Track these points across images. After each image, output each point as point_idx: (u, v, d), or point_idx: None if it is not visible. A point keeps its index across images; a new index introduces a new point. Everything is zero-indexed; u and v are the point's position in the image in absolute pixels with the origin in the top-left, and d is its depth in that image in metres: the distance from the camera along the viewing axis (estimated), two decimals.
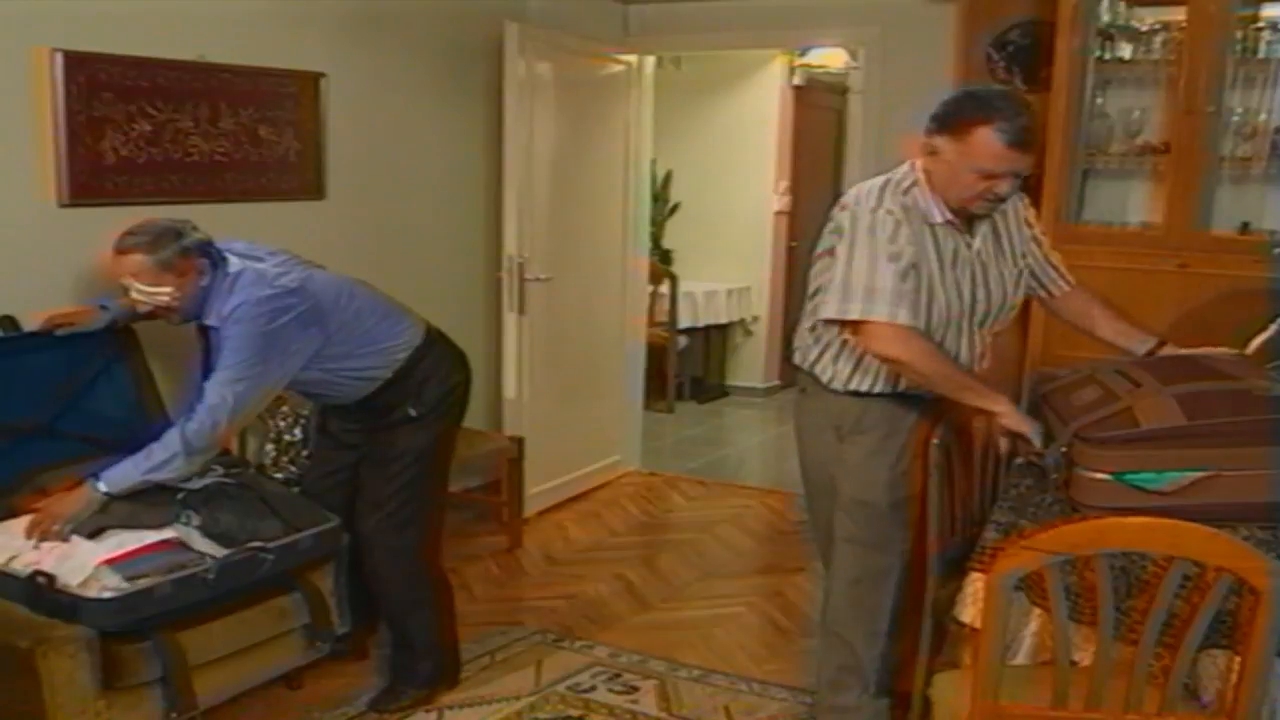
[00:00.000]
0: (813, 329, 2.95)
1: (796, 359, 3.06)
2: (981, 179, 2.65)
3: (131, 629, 2.86)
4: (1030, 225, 2.97)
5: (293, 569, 3.22)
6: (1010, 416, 2.64)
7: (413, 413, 3.33)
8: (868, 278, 2.67)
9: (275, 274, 3.14)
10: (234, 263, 3.13)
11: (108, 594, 2.81)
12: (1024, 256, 2.94)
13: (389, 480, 3.35)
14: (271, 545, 3.13)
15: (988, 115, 2.60)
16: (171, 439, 3.02)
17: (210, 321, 3.11)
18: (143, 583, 2.86)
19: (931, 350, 2.71)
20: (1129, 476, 2.36)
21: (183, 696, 2.92)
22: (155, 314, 3.16)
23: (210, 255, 3.09)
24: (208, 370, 3.12)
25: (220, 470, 3.31)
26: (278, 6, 4.20)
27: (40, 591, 2.81)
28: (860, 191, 2.81)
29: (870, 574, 2.98)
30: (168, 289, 3.04)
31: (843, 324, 2.78)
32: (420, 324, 3.41)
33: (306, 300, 3.14)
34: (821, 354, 2.94)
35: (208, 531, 3.08)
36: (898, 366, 2.75)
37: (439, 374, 3.40)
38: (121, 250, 3.02)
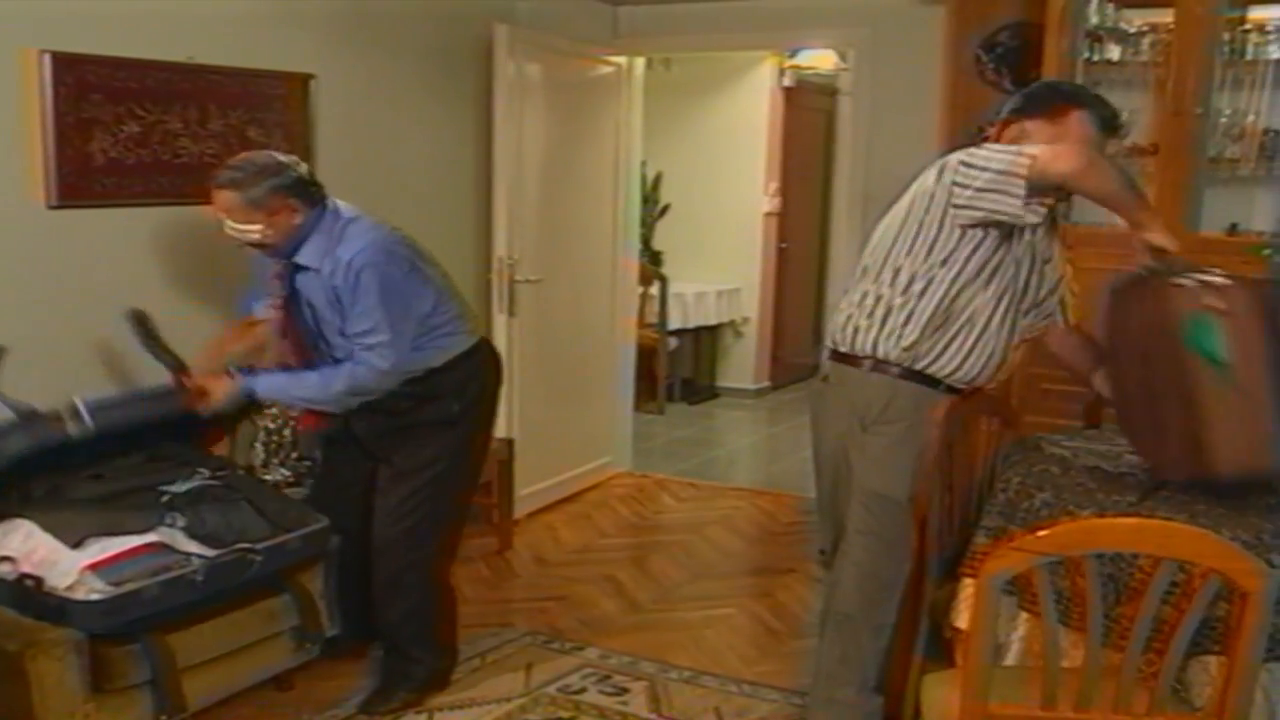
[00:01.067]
0: (879, 299, 2.87)
1: (839, 342, 2.96)
2: None
3: (120, 631, 2.85)
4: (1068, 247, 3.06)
5: (282, 570, 3.22)
6: (1160, 234, 2.64)
7: (455, 408, 3.33)
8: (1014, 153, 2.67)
9: (388, 228, 3.23)
10: (345, 209, 3.18)
11: (95, 596, 2.81)
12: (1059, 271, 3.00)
13: (417, 490, 3.33)
14: (260, 546, 3.12)
15: (1080, 101, 2.80)
16: (338, 375, 3.13)
17: (305, 261, 3.14)
18: (129, 585, 2.85)
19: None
20: (1203, 323, 2.44)
21: (172, 698, 2.92)
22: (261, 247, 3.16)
23: (307, 195, 3.12)
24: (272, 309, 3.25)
25: (206, 472, 3.31)
26: (266, 8, 4.19)
27: (28, 594, 2.80)
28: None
29: (885, 568, 2.98)
30: (258, 226, 3.09)
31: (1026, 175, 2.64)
32: (480, 324, 3.48)
33: (416, 258, 3.25)
34: (885, 322, 2.85)
35: (193, 533, 3.09)
36: (1086, 170, 2.63)
37: (479, 375, 3.41)
38: (217, 185, 3.09)
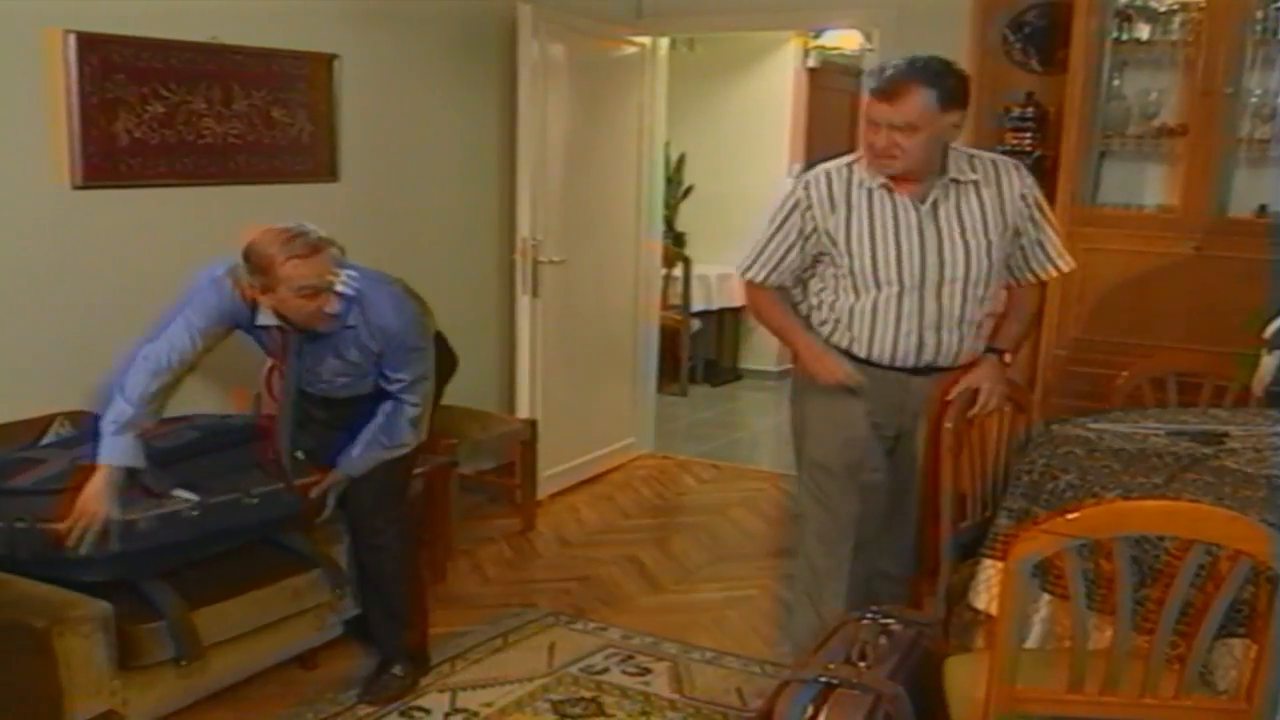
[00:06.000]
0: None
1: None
2: (868, 128, 2.90)
3: (126, 574, 2.93)
4: (1028, 204, 3.02)
5: (278, 520, 3.28)
6: (810, 361, 3.04)
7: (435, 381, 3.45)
8: (757, 235, 3.09)
9: (386, 278, 3.27)
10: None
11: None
12: (1017, 234, 3.02)
13: (393, 481, 3.40)
14: (256, 491, 3.18)
15: (873, 71, 2.97)
16: (398, 419, 3.26)
17: (351, 321, 3.18)
18: (126, 515, 2.92)
19: (770, 303, 3.15)
20: None
21: (185, 640, 2.95)
22: (312, 321, 3.14)
23: None
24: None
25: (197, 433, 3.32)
26: None
27: (17, 536, 2.87)
28: None
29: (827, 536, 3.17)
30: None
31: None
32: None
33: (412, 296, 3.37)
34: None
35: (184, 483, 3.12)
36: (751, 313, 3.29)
37: (443, 350, 3.52)
38: (324, 243, 3.08)
